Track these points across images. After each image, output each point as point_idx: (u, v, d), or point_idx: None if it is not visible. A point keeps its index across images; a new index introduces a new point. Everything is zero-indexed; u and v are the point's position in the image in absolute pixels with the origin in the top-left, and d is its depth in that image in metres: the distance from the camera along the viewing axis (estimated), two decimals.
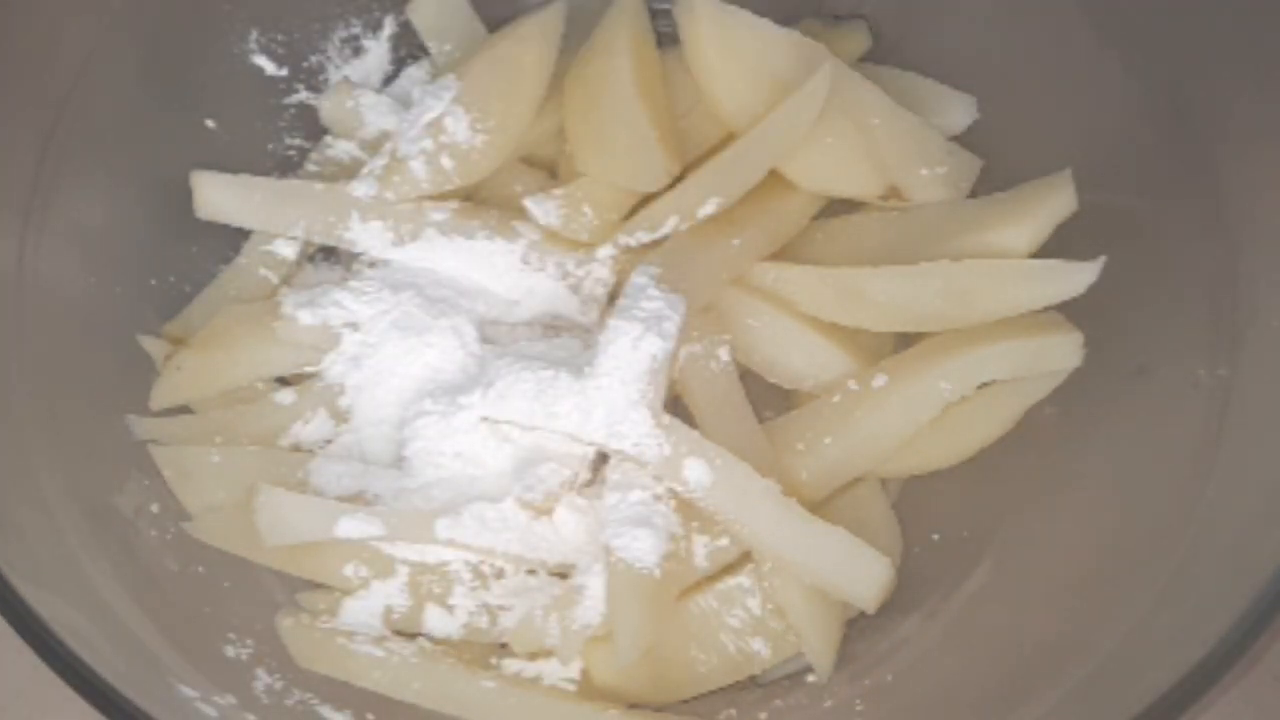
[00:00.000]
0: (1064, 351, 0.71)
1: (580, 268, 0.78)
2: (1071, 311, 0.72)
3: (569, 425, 0.70)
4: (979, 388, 0.72)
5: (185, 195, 0.78)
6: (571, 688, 0.71)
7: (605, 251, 0.78)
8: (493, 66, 0.79)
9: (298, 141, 0.87)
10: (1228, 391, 0.62)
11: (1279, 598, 0.53)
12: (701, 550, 0.71)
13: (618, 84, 0.77)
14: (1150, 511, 0.63)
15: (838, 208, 0.80)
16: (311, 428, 0.76)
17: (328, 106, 0.86)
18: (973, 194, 0.79)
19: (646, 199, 0.77)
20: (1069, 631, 0.62)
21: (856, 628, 0.72)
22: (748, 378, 0.76)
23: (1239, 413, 0.61)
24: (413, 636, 0.72)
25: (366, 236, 0.78)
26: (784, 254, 0.78)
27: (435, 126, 0.77)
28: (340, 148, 0.85)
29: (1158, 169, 0.68)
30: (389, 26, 0.88)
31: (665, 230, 0.77)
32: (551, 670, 0.71)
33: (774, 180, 0.77)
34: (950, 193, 0.78)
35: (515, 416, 0.71)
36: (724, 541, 0.71)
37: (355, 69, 0.89)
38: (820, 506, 0.71)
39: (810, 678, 0.72)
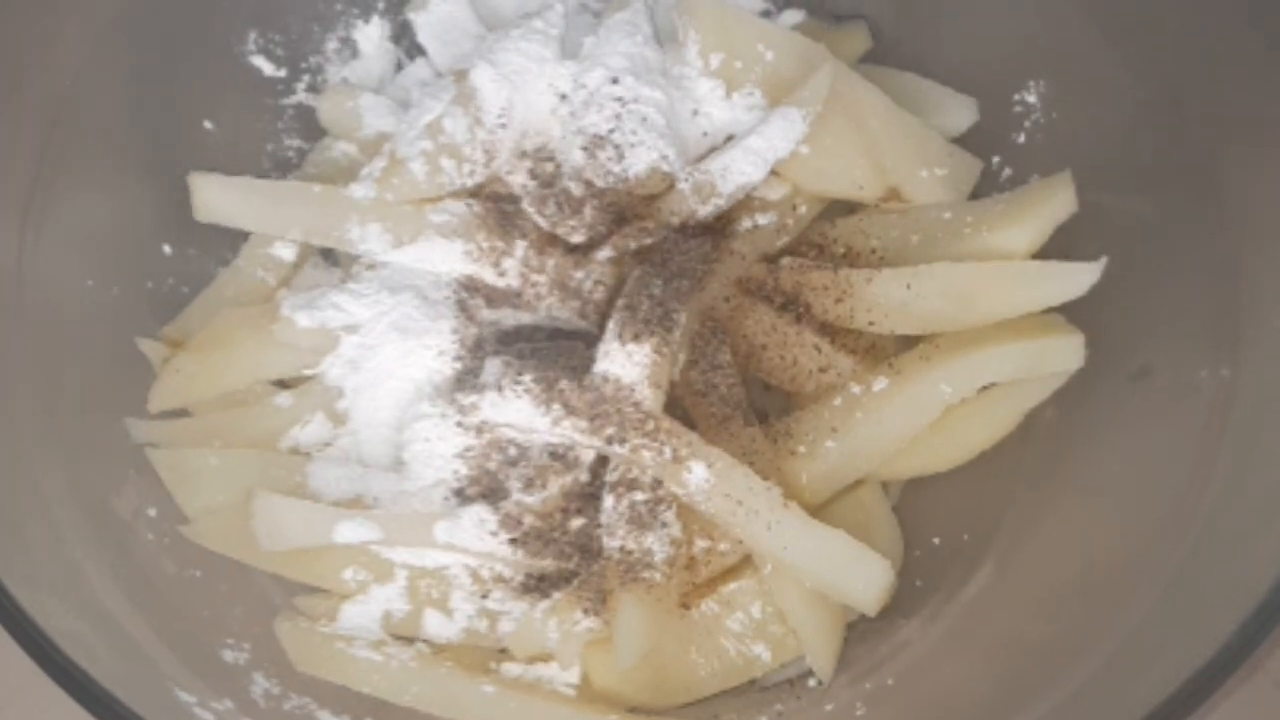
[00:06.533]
0: (1065, 353, 0.71)
1: (579, 268, 0.78)
2: (1073, 313, 0.71)
3: (568, 427, 0.70)
4: (980, 390, 0.72)
5: (183, 197, 0.77)
6: (571, 692, 0.70)
7: (604, 253, 0.78)
8: None
9: (296, 143, 0.87)
10: (1229, 393, 0.62)
11: None
12: (702, 554, 0.71)
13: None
14: (1152, 514, 0.63)
15: (838, 208, 0.80)
16: (310, 430, 0.76)
17: (326, 107, 0.86)
18: (973, 195, 0.79)
19: (647, 200, 0.77)
20: (1070, 635, 0.62)
21: (857, 631, 0.72)
22: (748, 378, 0.76)
23: (1241, 414, 0.61)
24: (411, 641, 0.72)
25: (365, 238, 0.77)
26: (784, 254, 0.78)
27: (434, 127, 0.76)
28: (339, 149, 0.85)
29: (1158, 170, 0.68)
30: (388, 27, 0.88)
31: (665, 231, 0.76)
32: (551, 674, 0.71)
33: (774, 181, 0.77)
34: (951, 194, 0.78)
35: (515, 418, 0.71)
36: (724, 545, 0.71)
37: (354, 70, 0.88)
38: (821, 509, 0.71)
39: (811, 681, 0.72)
